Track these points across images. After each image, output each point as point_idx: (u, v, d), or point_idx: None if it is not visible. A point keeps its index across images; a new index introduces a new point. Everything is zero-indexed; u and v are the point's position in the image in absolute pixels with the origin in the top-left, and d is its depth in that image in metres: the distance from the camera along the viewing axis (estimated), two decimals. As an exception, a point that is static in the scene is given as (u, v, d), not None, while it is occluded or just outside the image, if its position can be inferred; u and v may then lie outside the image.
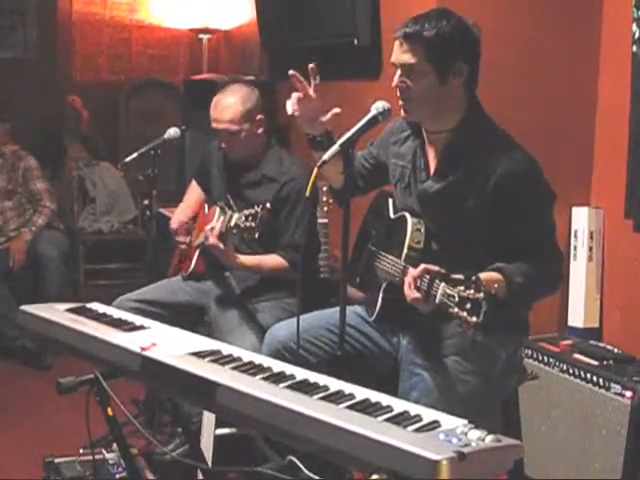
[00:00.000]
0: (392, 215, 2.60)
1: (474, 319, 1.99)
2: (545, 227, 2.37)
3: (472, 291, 2.00)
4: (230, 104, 3.25)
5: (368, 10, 3.90)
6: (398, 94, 2.38)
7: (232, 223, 2.97)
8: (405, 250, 2.41)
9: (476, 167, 2.33)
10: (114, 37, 6.37)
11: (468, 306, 2.00)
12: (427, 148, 2.48)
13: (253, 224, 2.88)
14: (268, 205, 2.89)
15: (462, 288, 2.02)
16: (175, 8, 6.25)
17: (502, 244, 2.30)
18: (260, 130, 3.30)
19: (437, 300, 2.09)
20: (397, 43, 2.34)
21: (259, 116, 3.30)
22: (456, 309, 2.02)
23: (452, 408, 1.80)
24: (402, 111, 2.39)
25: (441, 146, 2.43)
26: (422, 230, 2.43)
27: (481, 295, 1.98)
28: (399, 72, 2.35)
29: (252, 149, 3.32)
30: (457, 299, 2.03)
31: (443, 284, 2.09)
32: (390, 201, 2.64)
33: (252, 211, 2.89)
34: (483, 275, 2.12)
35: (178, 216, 3.59)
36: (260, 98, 3.33)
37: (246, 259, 3.19)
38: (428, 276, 2.15)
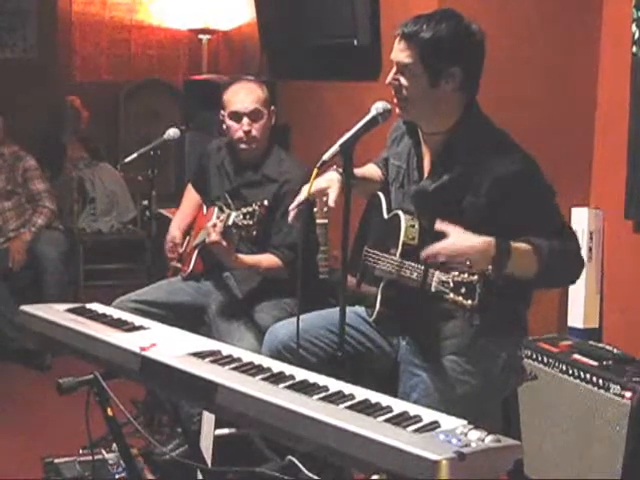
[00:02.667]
0: (386, 215, 2.60)
1: (469, 302, 2.01)
2: (554, 217, 2.34)
3: (465, 275, 2.02)
4: (253, 88, 3.32)
5: (368, 10, 3.90)
6: (393, 92, 2.38)
7: (230, 222, 2.96)
8: (400, 247, 2.41)
9: (471, 169, 2.32)
10: (114, 38, 6.38)
11: (463, 290, 2.02)
12: (422, 148, 2.48)
13: (251, 222, 2.88)
14: (266, 202, 2.89)
15: (456, 273, 2.04)
16: (175, 9, 6.26)
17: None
18: (272, 122, 3.34)
19: (433, 289, 2.10)
20: (396, 41, 2.35)
21: (272, 107, 3.36)
22: (451, 294, 2.04)
23: (452, 409, 1.80)
24: (397, 109, 2.40)
25: (436, 147, 2.42)
26: (416, 226, 2.43)
27: (475, 277, 2.00)
28: (394, 69, 2.36)
29: (263, 142, 3.33)
30: (452, 284, 2.05)
31: (437, 272, 2.10)
32: (383, 202, 2.64)
33: (250, 209, 2.90)
34: (513, 244, 2.15)
35: (173, 231, 3.56)
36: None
37: (246, 258, 3.19)
38: (422, 267, 2.17)
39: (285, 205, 3.21)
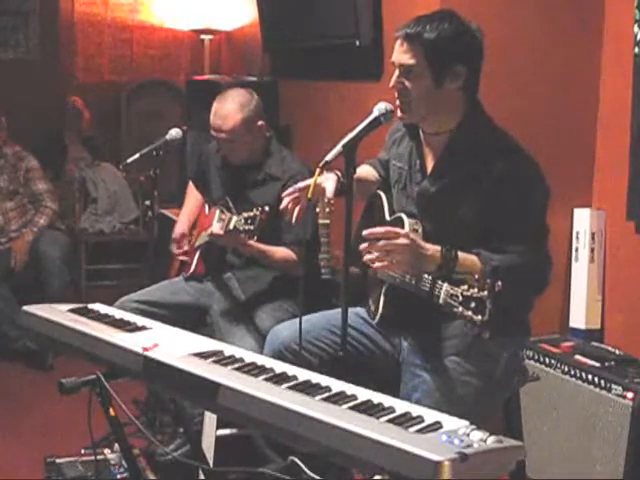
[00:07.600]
0: (388, 217, 2.60)
1: (479, 317, 1.99)
2: (534, 226, 2.34)
3: (476, 290, 2.01)
4: (229, 113, 3.22)
5: (370, 11, 3.90)
6: (396, 94, 2.38)
7: (231, 226, 2.96)
8: None
9: (473, 170, 2.33)
10: (116, 38, 6.37)
11: (473, 305, 2.01)
12: (424, 149, 2.48)
13: (252, 227, 2.88)
14: (267, 208, 2.88)
15: (465, 287, 2.03)
16: (177, 9, 6.25)
17: (489, 240, 2.29)
18: (260, 137, 3.29)
19: (441, 301, 2.09)
20: (398, 43, 2.35)
21: (259, 122, 3.27)
22: (461, 308, 2.03)
23: (453, 409, 1.80)
24: (399, 111, 2.40)
25: (439, 148, 2.42)
26: (419, 230, 2.42)
27: (485, 293, 1.99)
28: (397, 72, 2.36)
29: (252, 153, 3.31)
30: (461, 298, 2.03)
31: (446, 284, 2.09)
32: (385, 202, 2.63)
33: (251, 214, 2.89)
34: (461, 254, 2.20)
35: (180, 227, 3.58)
36: (260, 103, 3.30)
37: (259, 244, 3.13)
38: (430, 277, 2.16)
39: None
